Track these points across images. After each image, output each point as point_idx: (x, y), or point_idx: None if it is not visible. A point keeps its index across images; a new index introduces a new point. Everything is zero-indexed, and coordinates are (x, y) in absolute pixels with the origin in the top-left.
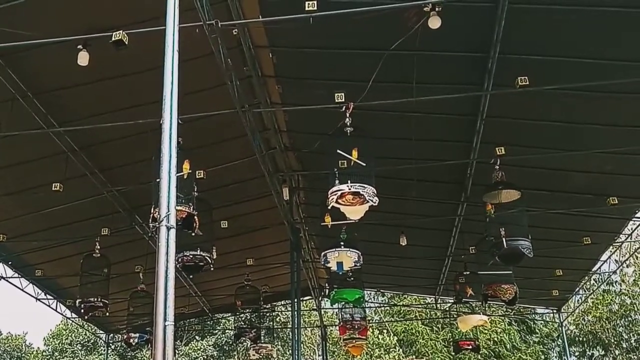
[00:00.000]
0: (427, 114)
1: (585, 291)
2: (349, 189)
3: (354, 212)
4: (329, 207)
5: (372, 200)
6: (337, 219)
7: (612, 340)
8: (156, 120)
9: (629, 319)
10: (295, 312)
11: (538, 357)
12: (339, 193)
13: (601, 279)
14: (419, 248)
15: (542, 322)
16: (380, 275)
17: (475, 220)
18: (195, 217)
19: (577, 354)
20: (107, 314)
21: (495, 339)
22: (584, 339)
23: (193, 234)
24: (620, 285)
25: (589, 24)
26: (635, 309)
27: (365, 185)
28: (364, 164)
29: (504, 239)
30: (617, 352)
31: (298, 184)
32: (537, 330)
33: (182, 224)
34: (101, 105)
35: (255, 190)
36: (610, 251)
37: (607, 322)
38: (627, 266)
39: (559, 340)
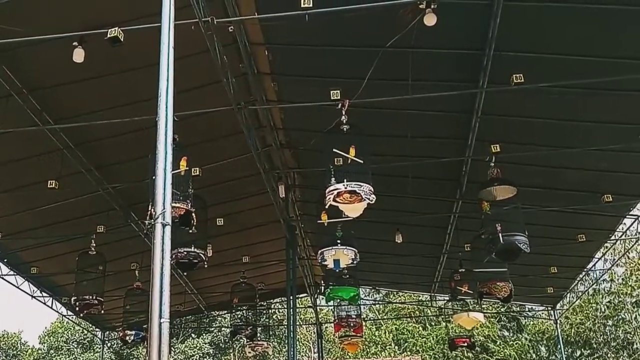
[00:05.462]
0: (422, 111)
1: (577, 291)
2: (345, 188)
3: (353, 210)
4: (326, 206)
5: (369, 199)
6: (333, 216)
7: (601, 340)
8: (152, 117)
9: (617, 317)
10: (291, 310)
11: (526, 352)
12: (336, 192)
13: (594, 277)
14: (415, 245)
15: (533, 318)
16: (375, 273)
17: (470, 217)
18: (193, 214)
19: (569, 351)
20: (102, 311)
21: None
22: (574, 339)
23: (190, 231)
24: (610, 284)
25: (584, 21)
26: (625, 308)
27: (362, 184)
28: (361, 161)
29: (500, 235)
30: (605, 350)
31: (294, 181)
32: (529, 329)
33: (179, 221)
34: (97, 103)
35: (251, 188)
36: (606, 247)
37: (595, 320)
38: (618, 266)
39: (552, 339)
